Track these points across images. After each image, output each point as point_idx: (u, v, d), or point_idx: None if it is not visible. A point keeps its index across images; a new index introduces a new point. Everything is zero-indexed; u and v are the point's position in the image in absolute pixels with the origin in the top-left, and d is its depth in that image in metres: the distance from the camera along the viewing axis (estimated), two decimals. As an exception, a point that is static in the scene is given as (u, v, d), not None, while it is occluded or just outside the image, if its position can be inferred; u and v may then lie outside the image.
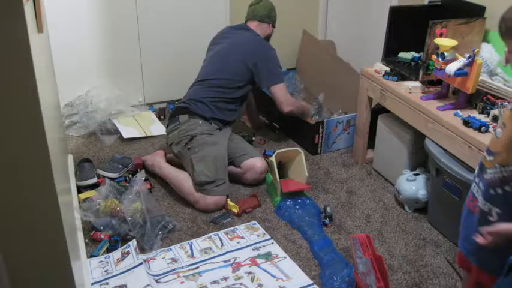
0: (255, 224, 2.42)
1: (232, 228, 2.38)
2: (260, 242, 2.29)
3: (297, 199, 2.53)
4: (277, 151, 2.58)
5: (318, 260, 2.20)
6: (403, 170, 2.56)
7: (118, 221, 2.24)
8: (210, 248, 2.25)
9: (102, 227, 2.24)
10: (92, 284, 2.02)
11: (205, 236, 2.33)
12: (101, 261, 2.14)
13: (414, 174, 2.51)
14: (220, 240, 2.30)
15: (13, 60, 1.12)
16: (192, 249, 2.24)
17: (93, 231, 2.26)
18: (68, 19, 3.10)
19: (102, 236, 2.23)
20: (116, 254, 2.17)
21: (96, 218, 2.25)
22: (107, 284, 2.02)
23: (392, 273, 2.13)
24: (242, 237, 2.32)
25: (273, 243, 2.29)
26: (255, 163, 2.65)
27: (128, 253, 2.15)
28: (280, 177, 2.54)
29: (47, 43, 2.36)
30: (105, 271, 2.08)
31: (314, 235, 2.31)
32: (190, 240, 2.30)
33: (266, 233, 2.35)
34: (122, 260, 2.13)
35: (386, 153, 2.76)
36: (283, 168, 2.67)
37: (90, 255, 2.14)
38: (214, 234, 2.33)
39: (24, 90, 1.16)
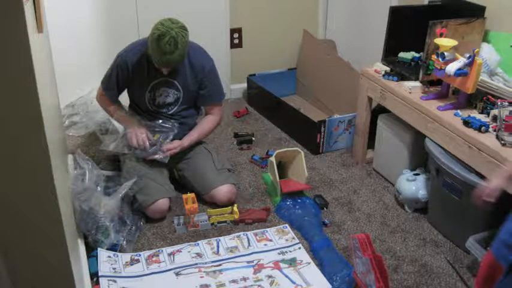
0: (286, 227, 2.40)
1: (262, 230, 2.38)
2: (287, 246, 2.28)
3: (297, 199, 2.53)
4: (277, 151, 2.58)
5: (318, 260, 2.20)
6: (403, 170, 2.56)
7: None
8: (236, 247, 2.26)
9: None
10: (100, 276, 2.03)
11: (234, 234, 2.34)
12: (109, 257, 2.15)
13: (414, 174, 2.51)
14: (248, 240, 2.30)
15: (13, 60, 1.12)
16: (218, 246, 2.26)
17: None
18: (69, 19, 3.10)
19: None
20: (125, 257, 2.17)
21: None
22: (115, 281, 2.03)
23: (392, 273, 2.13)
24: (270, 240, 2.31)
25: (300, 248, 2.27)
26: (214, 196, 2.49)
27: (137, 260, 2.16)
28: (280, 177, 2.54)
29: (47, 43, 2.36)
30: (114, 268, 2.09)
31: (314, 235, 2.31)
32: (219, 238, 2.31)
33: (295, 237, 2.33)
34: (131, 265, 2.14)
35: (386, 153, 2.76)
36: (283, 168, 2.67)
37: (91, 255, 2.14)
38: (243, 234, 2.34)
39: (24, 90, 1.16)
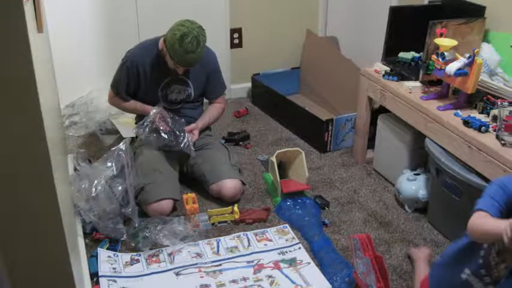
0: (286, 227, 2.40)
1: (262, 230, 2.38)
2: (287, 246, 2.28)
3: (297, 199, 2.53)
4: (277, 151, 2.58)
5: (318, 260, 2.20)
6: (403, 170, 2.56)
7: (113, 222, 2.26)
8: (236, 247, 2.26)
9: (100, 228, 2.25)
10: (100, 276, 2.03)
11: (234, 234, 2.34)
12: (109, 257, 2.15)
13: (414, 174, 2.51)
14: (248, 240, 2.30)
15: (13, 60, 1.12)
16: (218, 246, 2.26)
17: (94, 232, 2.26)
18: (69, 19, 3.10)
19: (102, 236, 2.24)
20: (125, 257, 2.17)
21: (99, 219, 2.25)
22: (115, 281, 2.03)
23: (393, 273, 2.13)
24: (270, 240, 2.31)
25: (300, 248, 2.27)
26: (221, 187, 2.48)
27: (137, 260, 2.16)
28: (280, 177, 2.54)
29: (47, 43, 2.36)
30: (114, 268, 2.09)
31: (314, 235, 2.31)
32: (219, 238, 2.31)
33: (295, 237, 2.33)
34: (131, 265, 2.14)
35: (386, 153, 2.76)
36: (283, 168, 2.67)
37: (91, 256, 2.14)
38: (243, 234, 2.33)
39: (24, 90, 1.16)
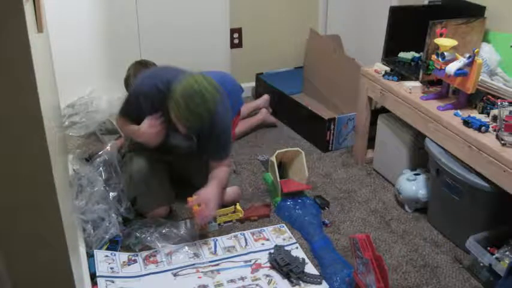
0: (283, 227, 2.40)
1: (259, 229, 2.38)
2: (284, 246, 2.27)
3: (297, 199, 2.53)
4: (277, 151, 2.58)
5: (318, 260, 2.20)
6: (403, 170, 2.56)
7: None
8: (234, 247, 2.26)
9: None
10: (98, 276, 2.03)
11: (231, 234, 2.34)
12: (107, 256, 2.14)
13: (414, 174, 2.51)
14: (245, 240, 2.30)
15: (13, 60, 1.12)
16: (215, 246, 2.26)
17: (94, 231, 2.25)
18: (69, 20, 3.10)
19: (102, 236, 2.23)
20: (122, 256, 2.17)
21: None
22: (113, 282, 2.03)
23: (393, 273, 2.13)
24: (267, 239, 2.32)
25: (297, 247, 2.27)
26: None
27: (134, 261, 2.16)
28: (280, 177, 2.54)
29: (47, 43, 2.36)
30: (111, 268, 2.09)
31: (314, 235, 2.31)
32: (216, 237, 2.31)
33: (292, 236, 2.33)
34: (128, 265, 2.13)
35: (386, 153, 2.76)
36: (283, 168, 2.67)
37: (90, 255, 2.14)
38: (241, 234, 2.34)
39: (24, 90, 1.16)
